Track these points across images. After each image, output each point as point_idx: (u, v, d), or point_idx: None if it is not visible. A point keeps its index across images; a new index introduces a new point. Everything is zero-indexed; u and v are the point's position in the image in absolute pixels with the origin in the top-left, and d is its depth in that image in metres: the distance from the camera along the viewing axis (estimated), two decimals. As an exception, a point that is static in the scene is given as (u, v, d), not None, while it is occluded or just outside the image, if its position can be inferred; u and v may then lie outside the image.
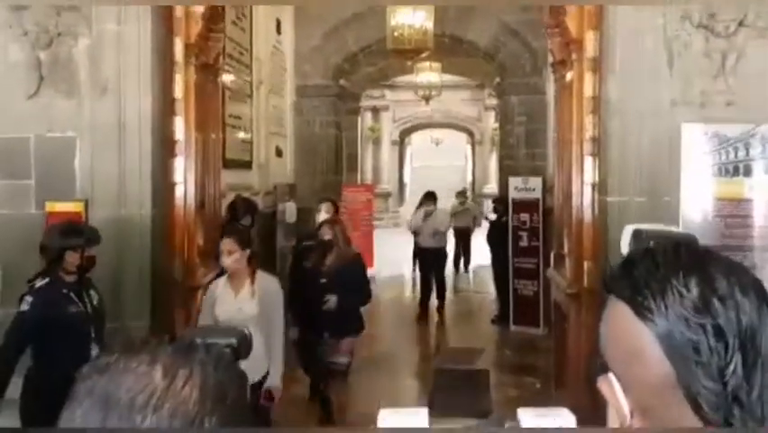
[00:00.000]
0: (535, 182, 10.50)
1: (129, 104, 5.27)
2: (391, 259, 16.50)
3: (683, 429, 1.05)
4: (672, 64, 4.95)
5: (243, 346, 1.67)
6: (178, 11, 5.69)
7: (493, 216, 12.12)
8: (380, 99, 27.20)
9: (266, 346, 5.09)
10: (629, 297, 1.09)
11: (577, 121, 5.67)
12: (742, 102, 4.87)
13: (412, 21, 10.06)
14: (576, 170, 5.73)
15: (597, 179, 5.46)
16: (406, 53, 10.72)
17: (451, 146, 34.60)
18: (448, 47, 12.19)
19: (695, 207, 4.80)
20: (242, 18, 9.27)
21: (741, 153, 4.73)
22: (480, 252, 14.38)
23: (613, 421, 1.14)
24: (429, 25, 10.16)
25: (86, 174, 5.25)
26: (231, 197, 8.12)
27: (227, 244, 5.17)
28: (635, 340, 1.07)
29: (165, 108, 5.54)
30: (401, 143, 32.11)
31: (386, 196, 28.88)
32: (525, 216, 10.53)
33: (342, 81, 12.78)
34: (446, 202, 16.39)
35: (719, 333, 1.02)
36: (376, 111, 28.33)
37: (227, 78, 8.32)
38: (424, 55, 11.34)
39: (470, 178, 32.88)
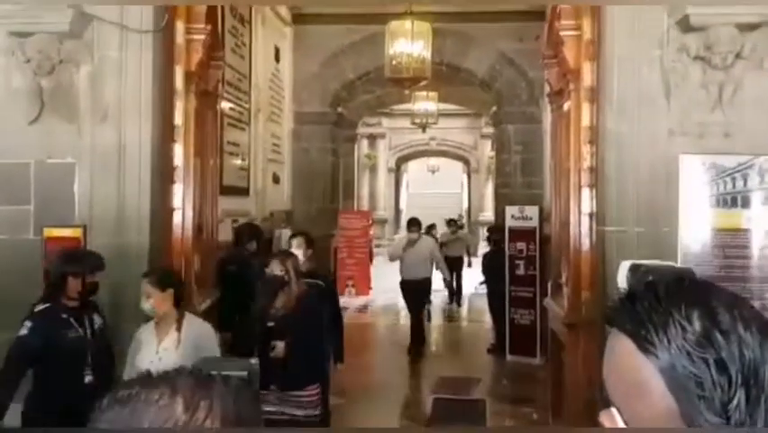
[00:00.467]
0: (532, 211, 10.49)
1: (129, 130, 5.29)
2: (386, 287, 16.47)
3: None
4: (670, 95, 4.99)
5: (254, 378, 1.67)
6: (179, 39, 5.72)
7: (486, 248, 12.09)
8: (377, 127, 27.29)
9: None
10: (631, 330, 1.09)
11: (574, 150, 5.69)
12: (739, 133, 4.90)
13: (410, 50, 10.11)
14: (574, 200, 5.73)
15: (594, 208, 5.46)
16: (404, 82, 10.75)
17: (447, 174, 34.71)
18: (445, 75, 12.26)
19: (693, 238, 4.81)
20: (241, 46, 9.34)
21: (739, 184, 4.75)
22: (474, 281, 14.25)
23: None
24: (427, 54, 10.20)
25: (85, 200, 5.26)
26: (227, 223, 8.13)
27: (144, 285, 4.49)
28: (637, 374, 1.07)
29: (165, 135, 5.56)
30: (397, 171, 32.18)
31: (382, 223, 28.89)
32: (521, 245, 10.51)
33: (339, 109, 12.83)
34: (442, 230, 16.48)
35: (722, 367, 1.02)
36: (372, 138, 28.42)
37: (226, 105, 8.36)
38: (422, 84, 11.36)
39: (465, 205, 32.95)
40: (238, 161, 9.32)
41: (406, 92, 14.39)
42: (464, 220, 25.73)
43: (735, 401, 1.01)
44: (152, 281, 4.46)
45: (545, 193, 10.59)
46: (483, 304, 12.63)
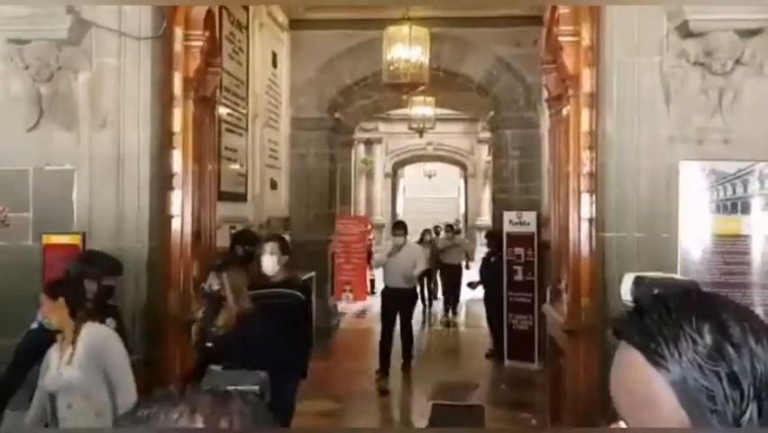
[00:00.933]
0: (530, 216, 10.49)
1: (127, 137, 5.29)
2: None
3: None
4: (669, 101, 4.98)
5: (265, 391, 1.66)
6: (178, 45, 5.72)
7: (484, 253, 12.03)
8: (374, 132, 27.25)
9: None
10: (641, 343, 1.08)
11: (574, 156, 5.69)
12: (739, 139, 4.90)
13: (408, 55, 10.10)
14: (573, 205, 5.73)
15: (594, 214, 5.46)
16: (402, 87, 10.74)
17: (444, 179, 34.72)
18: (442, 81, 12.24)
19: (693, 244, 4.81)
20: (238, 52, 9.33)
21: (739, 190, 4.75)
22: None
23: None
24: (425, 59, 10.20)
25: (83, 207, 5.25)
26: (225, 229, 8.11)
27: (42, 298, 4.15)
28: (647, 387, 1.06)
29: (163, 141, 5.56)
30: (394, 176, 32.16)
31: (379, 228, 28.87)
32: (519, 250, 10.50)
33: (336, 114, 12.81)
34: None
35: (735, 381, 1.01)
36: (369, 143, 28.39)
37: (224, 111, 8.35)
38: (419, 89, 11.35)
39: (462, 210, 32.96)
40: (236, 167, 9.30)
41: (404, 97, 14.39)
42: (461, 225, 25.68)
43: (747, 415, 1.01)
44: (44, 289, 4.19)
45: (543, 198, 10.60)
46: (480, 310, 12.60)
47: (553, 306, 6.49)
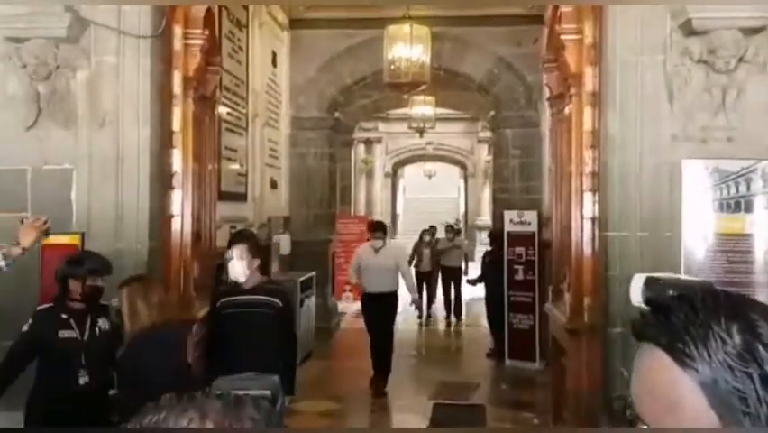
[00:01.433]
0: (531, 215, 10.48)
1: (127, 136, 5.25)
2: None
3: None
4: (673, 99, 4.96)
5: (277, 395, 1.63)
6: (177, 43, 5.69)
7: (483, 252, 11.96)
8: (373, 131, 27.26)
9: None
10: (668, 344, 1.04)
11: (576, 155, 5.66)
12: (742, 137, 4.87)
13: (409, 54, 10.07)
14: (575, 205, 5.70)
15: (597, 213, 5.43)
16: (403, 87, 10.72)
17: (443, 178, 34.76)
18: (443, 80, 12.23)
19: (696, 243, 4.78)
20: (238, 51, 9.30)
21: (742, 189, 4.72)
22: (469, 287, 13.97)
23: None
24: (426, 59, 10.17)
25: (82, 206, 5.22)
26: (225, 229, 8.08)
27: None
28: (674, 390, 1.02)
29: (163, 141, 5.53)
30: (394, 175, 32.18)
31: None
32: (520, 250, 10.49)
33: (336, 114, 12.80)
34: (439, 235, 16.21)
35: (767, 382, 0.98)
36: (369, 143, 28.39)
37: (224, 110, 8.32)
38: (420, 89, 11.32)
39: (462, 210, 32.96)
40: (236, 167, 9.28)
41: (405, 97, 14.37)
42: (461, 225, 25.66)
43: None
44: None
45: (544, 197, 10.58)
46: (481, 309, 12.58)
47: (555, 305, 6.46)
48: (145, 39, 5.28)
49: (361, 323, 13.43)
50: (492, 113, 12.72)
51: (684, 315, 1.05)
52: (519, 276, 10.51)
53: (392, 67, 10.18)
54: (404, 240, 20.50)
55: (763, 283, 4.73)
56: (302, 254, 11.45)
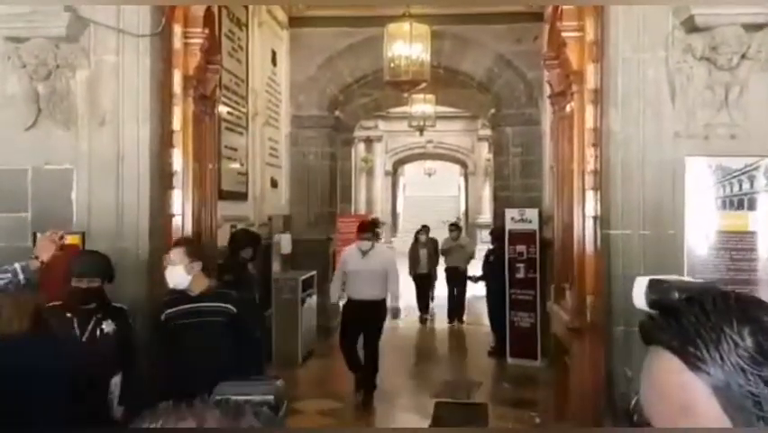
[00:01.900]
0: (532, 214, 10.46)
1: (127, 136, 5.24)
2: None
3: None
4: (675, 96, 4.93)
5: (281, 401, 1.61)
6: (177, 43, 5.67)
7: (485, 250, 11.89)
8: (374, 130, 27.26)
9: None
10: (679, 347, 1.02)
11: (578, 153, 5.65)
12: (745, 135, 4.85)
13: (409, 52, 10.05)
14: (577, 203, 5.69)
15: (599, 212, 5.41)
16: (403, 85, 10.68)
17: (444, 177, 34.78)
18: (443, 78, 12.20)
19: (699, 241, 4.76)
20: (238, 50, 9.28)
21: (745, 186, 4.70)
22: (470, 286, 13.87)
23: None
24: (426, 57, 10.14)
25: (83, 206, 5.21)
26: (226, 228, 8.06)
27: None
28: (686, 393, 1.00)
29: (163, 140, 5.51)
30: (394, 174, 32.19)
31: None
32: (521, 248, 10.47)
33: (336, 112, 12.77)
34: (439, 233, 16.14)
35: None
36: (369, 141, 28.40)
37: (224, 109, 8.30)
38: (420, 87, 11.30)
39: (463, 208, 32.97)
40: (236, 166, 9.26)
41: (405, 95, 14.34)
42: (462, 222, 25.63)
43: None
44: None
45: (544, 195, 10.56)
46: (482, 307, 12.56)
47: (558, 304, 6.45)
48: (145, 38, 5.26)
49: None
50: (492, 110, 12.70)
51: (695, 317, 1.03)
52: (521, 274, 10.50)
53: (392, 65, 10.15)
54: (404, 238, 20.50)
55: (767, 281, 4.71)
56: (303, 253, 11.42)
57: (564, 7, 5.68)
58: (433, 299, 15.14)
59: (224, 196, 8.06)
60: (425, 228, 15.44)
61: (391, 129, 27.11)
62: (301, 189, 12.27)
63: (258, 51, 10.26)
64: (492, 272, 11.25)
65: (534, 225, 10.37)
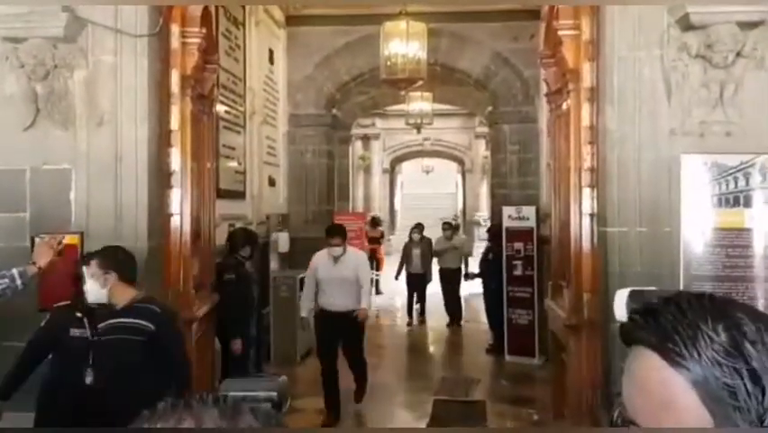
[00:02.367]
0: (529, 211, 10.49)
1: (125, 135, 5.24)
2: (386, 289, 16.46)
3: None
4: (671, 94, 4.96)
5: (284, 397, 1.62)
6: (175, 42, 5.68)
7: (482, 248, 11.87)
8: (371, 128, 27.25)
9: None
10: (658, 344, 1.06)
11: (574, 151, 5.66)
12: (741, 132, 4.87)
13: (405, 50, 10.06)
14: (574, 200, 5.70)
15: (595, 209, 5.43)
16: (400, 83, 10.70)
17: (441, 174, 34.77)
18: (440, 76, 12.22)
19: (695, 238, 4.78)
20: (235, 49, 9.29)
21: (741, 183, 4.72)
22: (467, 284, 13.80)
23: None
24: (422, 55, 10.16)
25: (81, 207, 5.21)
26: (224, 227, 8.07)
27: None
28: (666, 389, 1.04)
29: (161, 140, 5.52)
30: (392, 171, 32.17)
31: (377, 224, 28.81)
32: (519, 245, 10.50)
33: (334, 110, 12.78)
34: (437, 231, 16.00)
35: (756, 377, 1.00)
36: (366, 139, 28.38)
37: (221, 108, 8.31)
38: (417, 85, 11.32)
39: (460, 205, 32.97)
40: (234, 165, 9.27)
41: (402, 93, 14.34)
42: (460, 220, 25.61)
43: None
44: None
45: (541, 193, 10.58)
46: (480, 305, 12.58)
47: (555, 301, 6.47)
48: (142, 38, 5.27)
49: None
50: (489, 108, 12.71)
51: (672, 316, 1.07)
52: (518, 271, 10.53)
53: (389, 63, 10.17)
54: (402, 235, 20.50)
55: (762, 278, 4.73)
56: (300, 252, 11.40)
57: (560, 6, 5.69)
58: (425, 300, 14.49)
59: (222, 195, 8.07)
60: (419, 226, 14.70)
61: (389, 127, 27.11)
62: (299, 188, 12.28)
63: (255, 50, 10.27)
64: (490, 270, 11.27)
65: (532, 223, 10.41)
